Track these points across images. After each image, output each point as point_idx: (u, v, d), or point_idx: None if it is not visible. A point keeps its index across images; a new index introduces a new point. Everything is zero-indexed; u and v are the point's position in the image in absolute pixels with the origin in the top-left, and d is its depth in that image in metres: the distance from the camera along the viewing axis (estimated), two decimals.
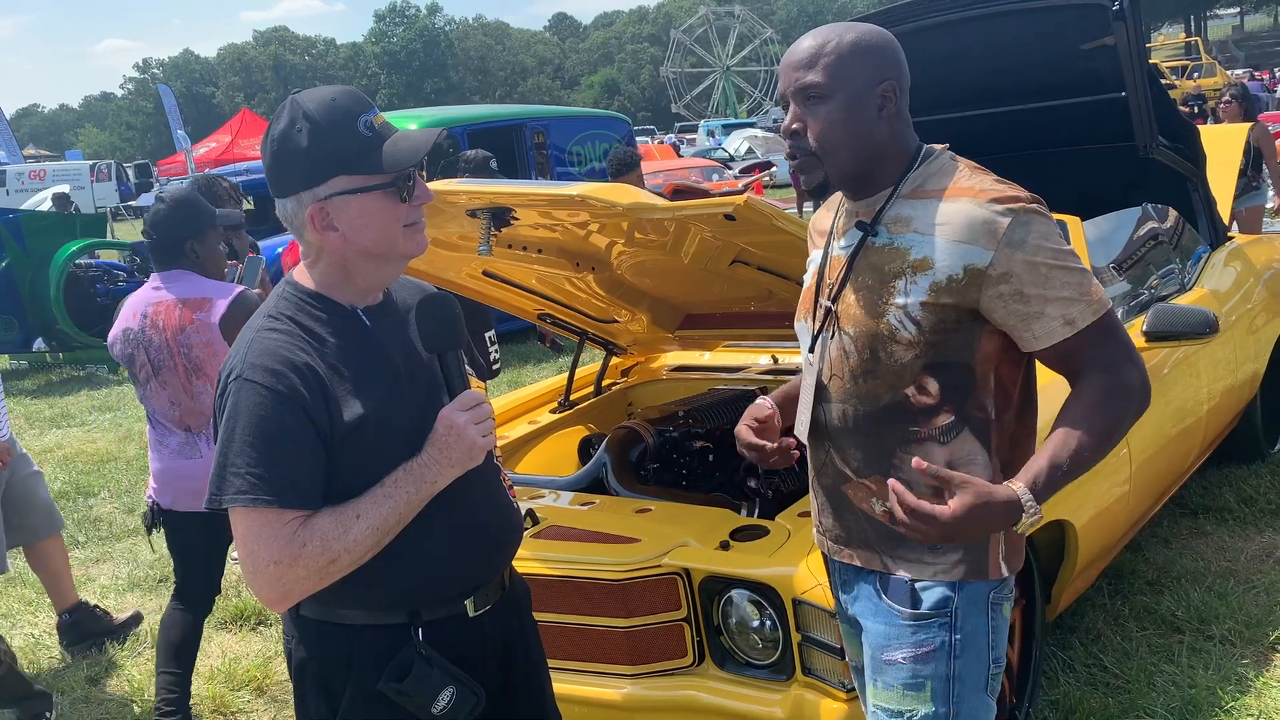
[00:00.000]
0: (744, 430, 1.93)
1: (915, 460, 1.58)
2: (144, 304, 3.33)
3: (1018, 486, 1.60)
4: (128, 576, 4.97)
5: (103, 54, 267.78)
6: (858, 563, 1.86)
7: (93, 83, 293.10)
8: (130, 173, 37.91)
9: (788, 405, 1.98)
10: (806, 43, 1.76)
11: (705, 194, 14.26)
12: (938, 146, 1.82)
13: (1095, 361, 1.69)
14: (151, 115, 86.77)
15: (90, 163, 37.15)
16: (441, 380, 1.76)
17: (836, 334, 1.80)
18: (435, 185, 2.70)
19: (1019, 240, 1.66)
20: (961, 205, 1.70)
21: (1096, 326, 1.68)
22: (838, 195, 1.93)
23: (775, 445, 1.90)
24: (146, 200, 16.50)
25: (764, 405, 1.96)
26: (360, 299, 1.77)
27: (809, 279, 1.93)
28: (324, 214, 1.67)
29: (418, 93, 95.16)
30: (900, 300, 1.71)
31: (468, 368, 1.83)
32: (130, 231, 24.26)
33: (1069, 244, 1.71)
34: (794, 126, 1.76)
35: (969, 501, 1.56)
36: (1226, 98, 8.41)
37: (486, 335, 4.92)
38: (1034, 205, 1.70)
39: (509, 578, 1.93)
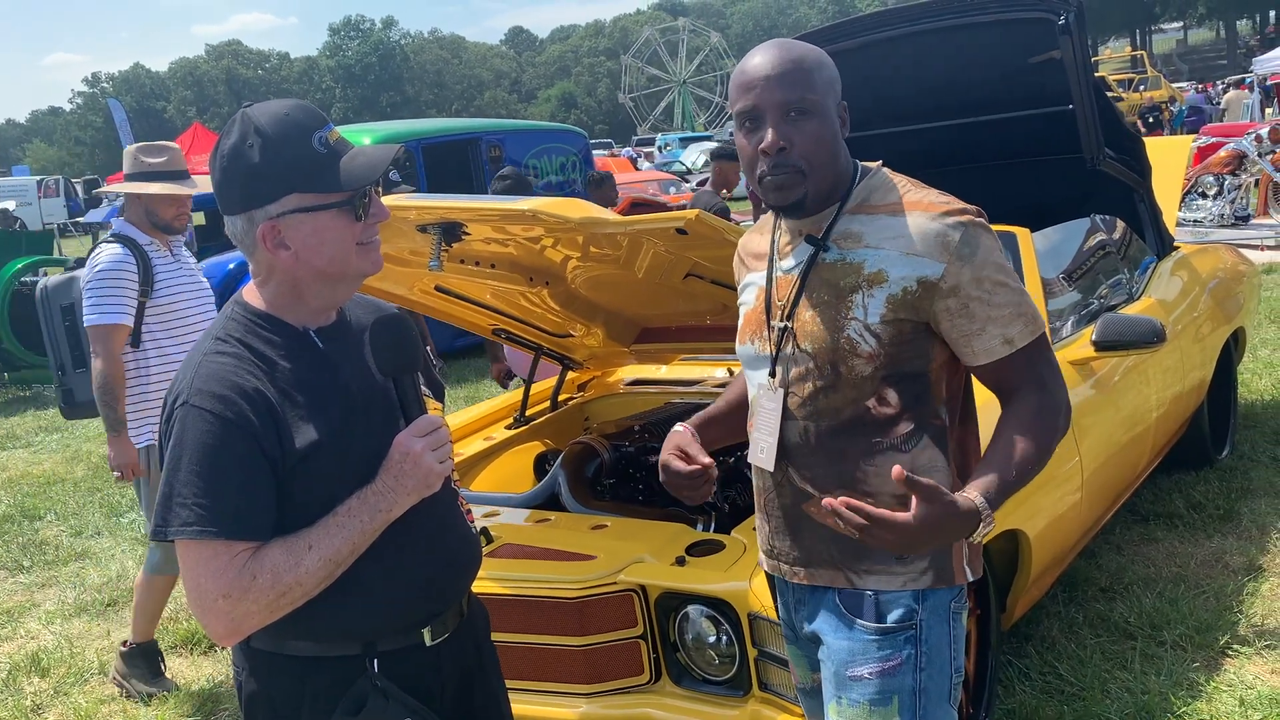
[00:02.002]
0: (674, 462, 1.90)
1: (895, 469, 1.57)
2: None
3: (975, 496, 1.61)
4: (74, 601, 4.86)
5: (50, 68, 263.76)
6: (820, 582, 1.84)
7: (40, 97, 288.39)
8: (79, 188, 37.29)
9: (707, 428, 1.99)
10: (777, 55, 1.71)
11: (663, 207, 14.31)
12: (872, 164, 1.83)
13: (1029, 380, 1.73)
14: (101, 130, 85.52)
15: (38, 178, 36.50)
16: (397, 403, 1.71)
17: (794, 352, 1.79)
18: (385, 200, 2.67)
19: (968, 254, 1.68)
20: (914, 219, 1.71)
21: (1033, 346, 1.73)
22: (767, 217, 1.92)
23: (703, 472, 1.88)
24: (95, 216, 16.19)
25: (685, 433, 1.95)
26: (313, 320, 1.71)
27: (752, 301, 1.91)
28: (276, 232, 1.61)
29: (373, 106, 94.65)
30: (858, 314, 1.72)
31: (424, 389, 1.79)
32: (79, 248, 23.85)
33: (1008, 259, 1.74)
34: (780, 145, 1.70)
35: (935, 509, 1.57)
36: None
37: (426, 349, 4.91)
38: (980, 219, 1.72)
39: (467, 603, 1.87)
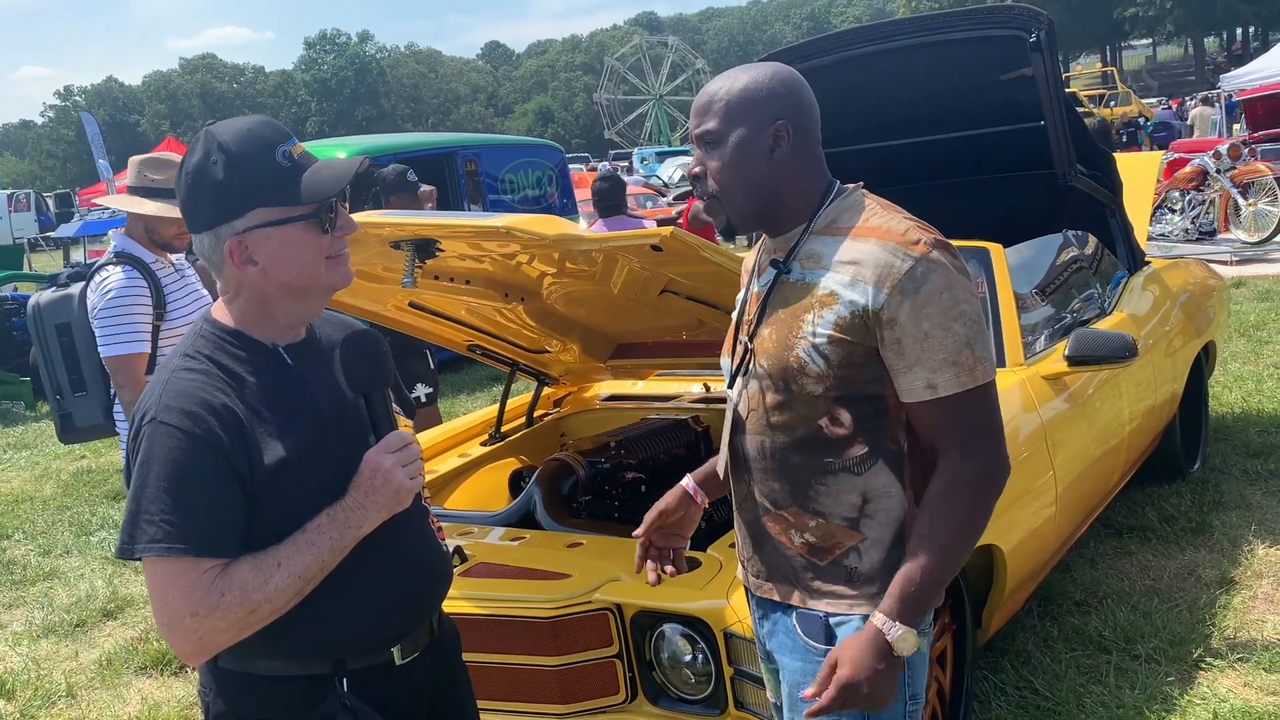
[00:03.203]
0: (649, 531, 2.01)
1: (805, 693, 1.70)
2: None
3: (876, 619, 1.67)
4: (42, 622, 4.79)
5: (21, 81, 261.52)
6: (776, 597, 1.85)
7: (11, 111, 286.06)
8: (50, 202, 36.96)
9: (710, 480, 2.03)
10: (709, 89, 1.80)
11: (639, 222, 14.31)
12: (850, 185, 1.83)
13: (950, 435, 1.68)
14: (74, 144, 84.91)
15: (8, 193, 36.14)
16: (367, 420, 1.70)
17: (753, 368, 1.81)
18: (358, 216, 2.66)
19: (910, 290, 1.65)
20: (867, 245, 1.70)
21: (961, 398, 1.67)
22: (764, 237, 1.94)
23: (659, 547, 2.00)
24: (66, 231, 16.05)
25: (678, 497, 2.02)
26: (282, 336, 1.70)
27: (734, 317, 1.95)
28: (243, 248, 1.61)
29: (349, 120, 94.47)
30: (808, 333, 1.72)
31: (394, 406, 1.78)
32: (50, 263, 23.61)
33: (969, 301, 1.68)
34: (695, 170, 1.80)
35: (846, 667, 1.66)
36: None
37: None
38: (937, 254, 1.68)
39: (437, 622, 1.86)
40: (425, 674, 1.80)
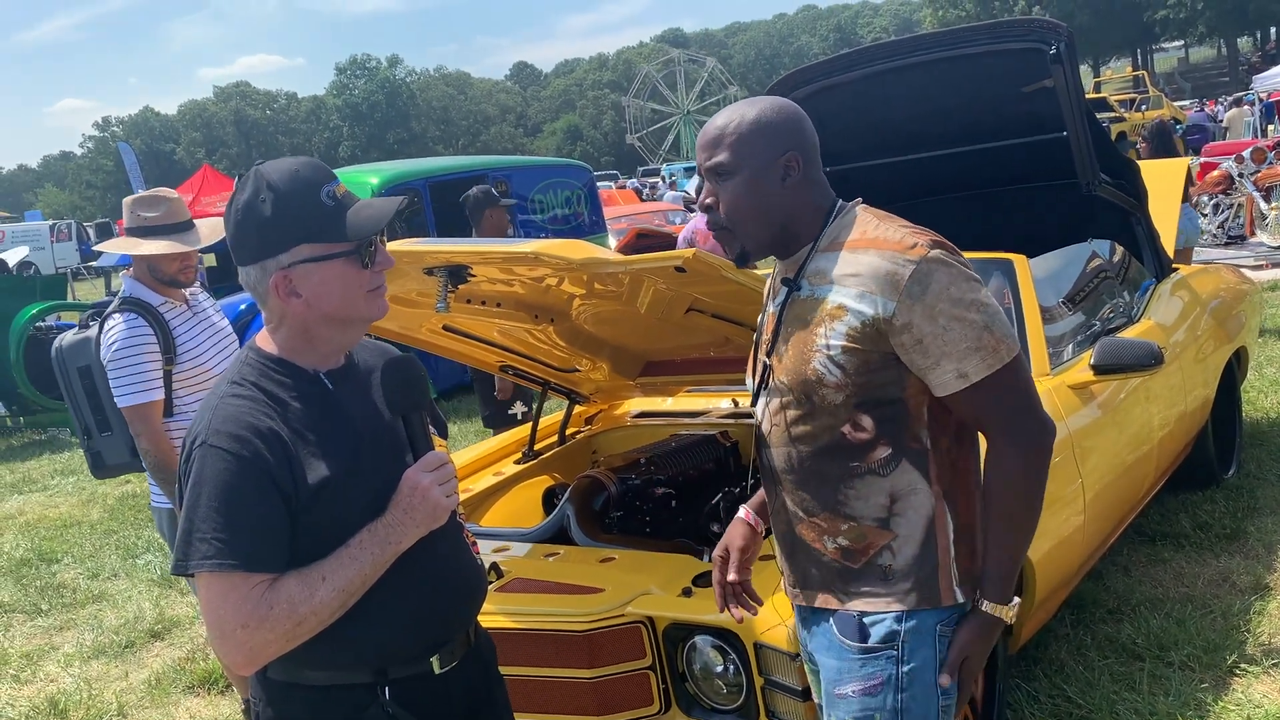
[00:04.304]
0: (718, 567, 2.10)
1: (943, 678, 1.85)
2: None
3: (986, 606, 1.81)
4: (93, 643, 4.91)
5: (60, 114, 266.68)
6: (814, 604, 1.92)
7: (51, 142, 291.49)
8: (91, 232, 37.66)
9: (764, 508, 2.09)
10: (716, 122, 1.87)
11: (668, 237, 14.38)
12: (849, 203, 1.90)
13: (994, 416, 1.78)
14: (112, 173, 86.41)
15: (50, 223, 36.88)
16: (404, 440, 1.79)
17: (773, 384, 1.89)
18: (392, 246, 2.75)
19: (918, 292, 1.73)
20: (868, 256, 1.78)
21: (994, 379, 1.75)
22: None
23: (735, 582, 2.07)
24: (108, 260, 16.36)
25: (740, 532, 2.10)
26: (323, 363, 1.80)
27: (755, 338, 2.03)
28: (288, 281, 1.71)
29: (380, 144, 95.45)
30: (822, 346, 1.80)
31: (430, 426, 1.86)
32: (92, 291, 24.08)
33: (975, 289, 1.76)
34: (708, 202, 1.87)
35: (968, 650, 1.83)
36: (1143, 137, 8.63)
37: None
38: (935, 253, 1.76)
39: (474, 633, 1.95)
40: (463, 683, 1.88)
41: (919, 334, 1.74)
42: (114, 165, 79.40)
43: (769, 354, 1.91)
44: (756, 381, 1.95)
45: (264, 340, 1.80)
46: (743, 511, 2.11)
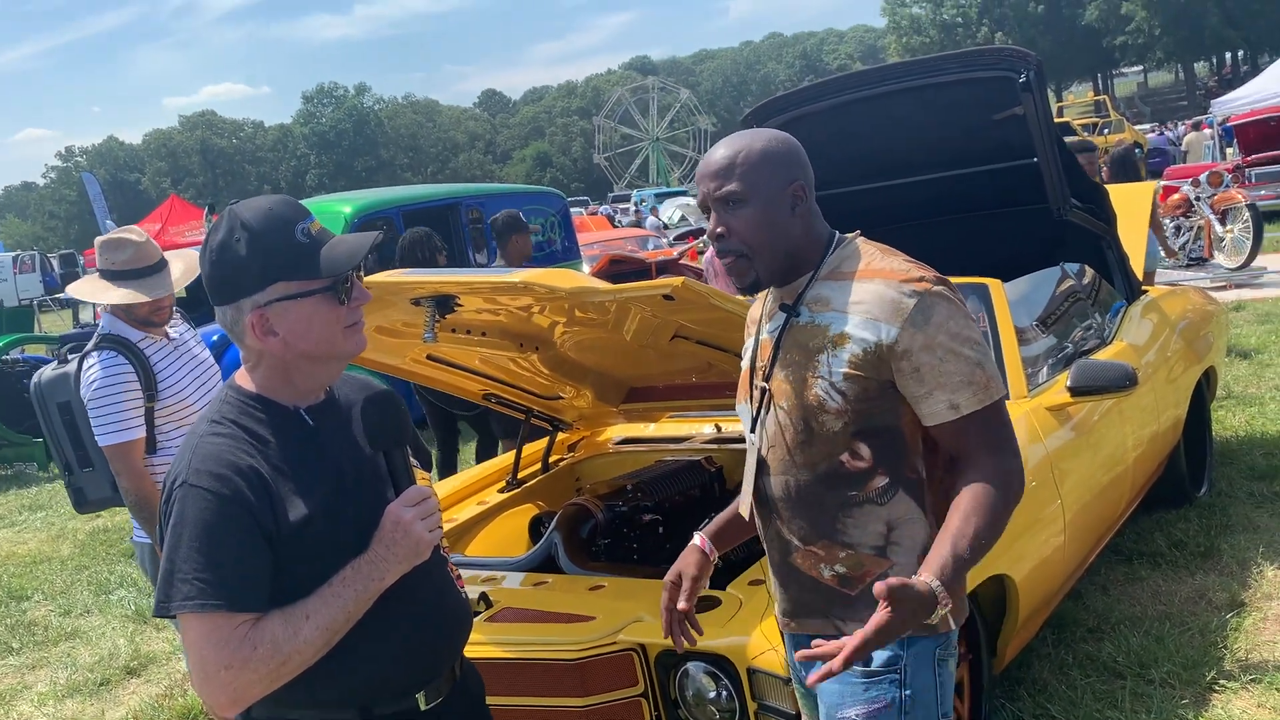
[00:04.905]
0: (668, 592, 2.10)
1: (877, 585, 1.62)
2: None
3: (929, 579, 1.66)
4: (66, 681, 4.83)
5: (22, 143, 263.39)
6: (809, 631, 1.94)
7: (12, 173, 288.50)
8: (55, 263, 37.27)
9: (722, 533, 2.13)
10: (720, 153, 1.89)
11: (641, 263, 14.44)
12: (849, 235, 1.95)
13: (977, 447, 1.80)
14: (75, 203, 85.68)
15: (13, 254, 36.43)
16: (385, 475, 1.78)
17: (772, 410, 1.91)
18: (378, 277, 2.76)
19: (921, 322, 1.78)
20: (875, 286, 1.83)
21: (980, 414, 1.80)
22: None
23: (684, 611, 2.05)
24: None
25: (692, 559, 2.10)
26: (302, 399, 1.79)
27: (745, 364, 2.04)
28: (264, 320, 1.70)
29: (348, 172, 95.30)
30: (824, 372, 1.83)
31: (412, 460, 1.86)
32: (58, 323, 23.79)
33: (971, 327, 1.82)
34: (719, 231, 1.89)
35: (899, 605, 1.60)
36: (1105, 164, 8.79)
37: None
38: (939, 288, 1.82)
39: (460, 668, 1.93)
40: (449, 716, 1.86)
41: (916, 363, 1.78)
42: (77, 195, 78.73)
43: (766, 379, 1.93)
44: (755, 407, 1.96)
45: (243, 378, 1.79)
46: (698, 538, 2.12)
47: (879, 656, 1.85)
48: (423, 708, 1.82)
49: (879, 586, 1.63)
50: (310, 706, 1.74)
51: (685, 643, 2.09)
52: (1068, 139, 5.77)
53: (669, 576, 2.10)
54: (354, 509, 1.73)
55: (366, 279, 2.72)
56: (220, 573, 1.61)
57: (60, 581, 6.45)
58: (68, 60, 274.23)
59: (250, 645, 1.61)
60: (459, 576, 1.96)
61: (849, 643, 1.62)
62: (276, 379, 1.76)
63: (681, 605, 2.06)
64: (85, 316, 16.83)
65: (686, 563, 2.10)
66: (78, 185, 71.80)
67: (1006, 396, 1.84)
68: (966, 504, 1.76)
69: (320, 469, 1.73)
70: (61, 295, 23.75)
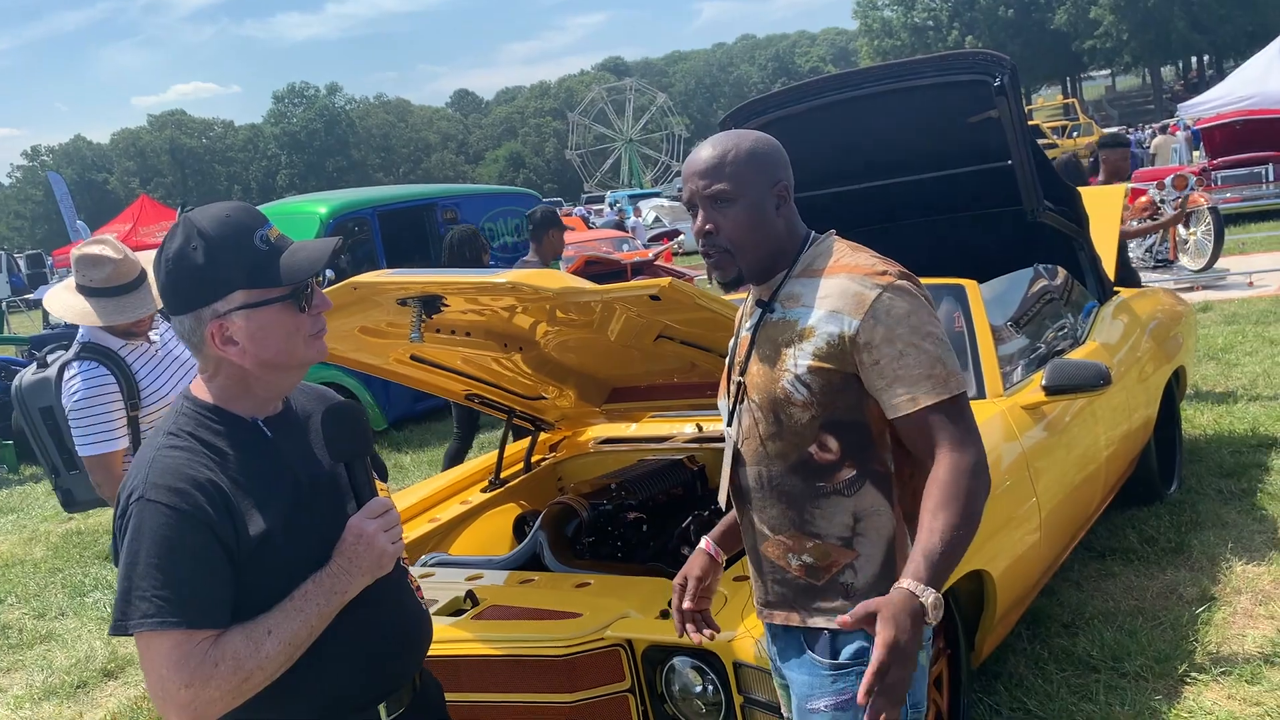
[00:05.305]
0: (677, 594, 2.13)
1: (840, 618, 1.70)
2: None
3: (904, 583, 1.69)
4: (43, 684, 4.80)
5: None
6: (777, 621, 1.99)
7: None
8: (22, 263, 36.81)
9: (727, 536, 2.16)
10: (708, 151, 1.94)
11: (617, 264, 14.46)
12: (823, 234, 2.00)
13: (939, 441, 1.82)
14: (42, 203, 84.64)
15: None
16: (344, 487, 1.77)
17: (746, 403, 1.97)
18: (365, 277, 2.77)
19: (882, 315, 1.83)
20: (840, 280, 1.89)
21: (939, 407, 1.82)
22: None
23: (692, 610, 2.10)
24: (45, 293, 15.93)
25: (702, 561, 2.14)
26: (260, 410, 1.76)
27: (728, 360, 2.10)
28: (224, 329, 1.68)
29: (319, 172, 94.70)
30: (791, 366, 1.89)
31: (371, 471, 1.83)
32: (26, 324, 23.50)
33: (933, 323, 1.85)
34: (706, 228, 1.94)
35: (887, 624, 1.64)
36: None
37: None
38: (902, 282, 1.86)
39: (420, 677, 1.92)
40: None
41: (877, 355, 1.83)
42: (44, 195, 77.78)
43: (742, 373, 1.99)
44: (731, 401, 2.02)
45: (199, 389, 1.76)
46: (704, 542, 2.17)
47: (847, 649, 1.89)
48: (384, 719, 1.81)
49: (840, 620, 1.70)
50: None
51: (703, 639, 2.11)
52: (1108, 130, 5.80)
53: (676, 579, 2.14)
54: (314, 521, 1.72)
55: (355, 279, 2.74)
56: (180, 590, 1.58)
57: (34, 584, 6.40)
58: (33, 57, 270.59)
59: (211, 663, 1.58)
60: (418, 587, 1.96)
61: (866, 673, 1.64)
62: (235, 388, 1.73)
63: (686, 605, 2.11)
64: (54, 318, 16.63)
65: (692, 565, 2.14)
66: (44, 185, 70.92)
67: (967, 392, 1.86)
68: (934, 501, 1.78)
69: (279, 482, 1.72)
70: (30, 296, 23.45)
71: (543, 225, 6.15)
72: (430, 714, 1.94)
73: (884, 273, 1.86)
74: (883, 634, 1.65)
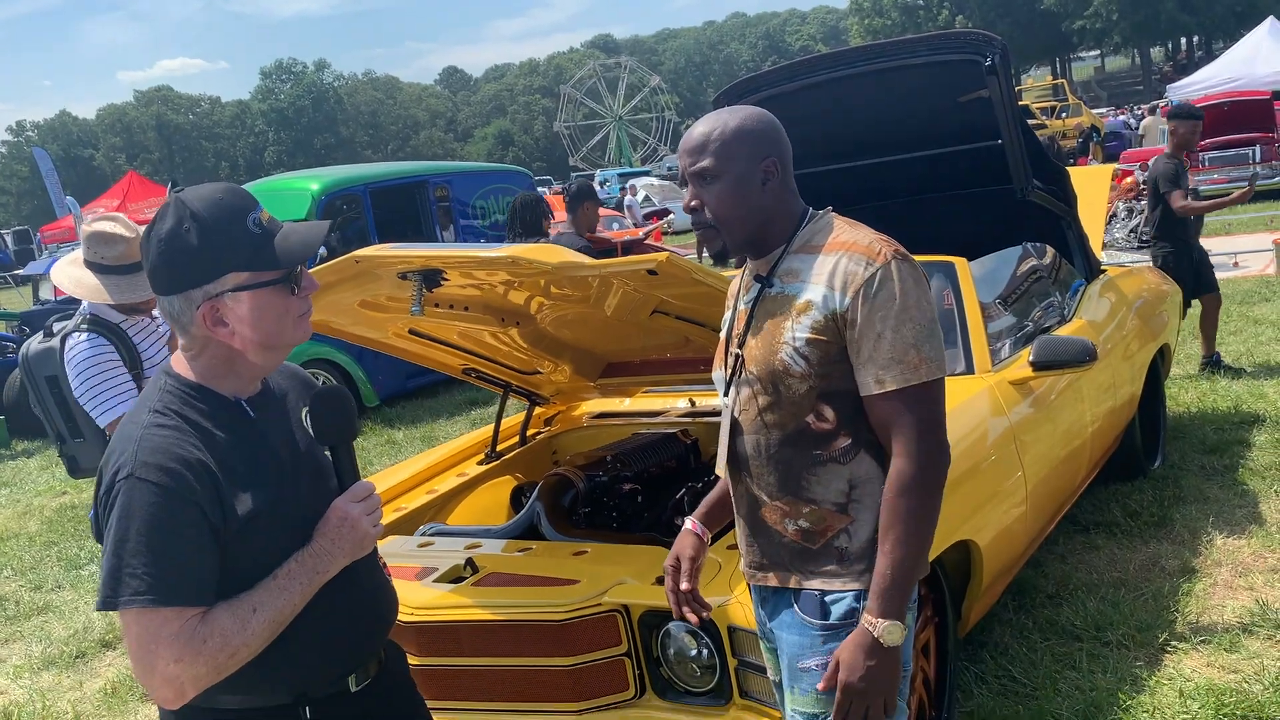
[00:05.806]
0: (670, 575, 2.19)
1: (819, 684, 1.91)
2: None
3: (864, 620, 1.87)
4: (42, 655, 4.86)
5: None
6: (774, 583, 2.05)
7: None
8: (9, 239, 36.59)
9: (712, 514, 2.24)
10: (698, 130, 1.99)
11: (608, 243, 14.45)
12: (821, 211, 2.05)
13: (898, 426, 1.88)
14: (27, 179, 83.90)
15: None
16: (324, 466, 1.81)
17: (744, 374, 2.03)
18: (366, 251, 2.82)
19: (870, 293, 1.89)
20: (836, 257, 1.94)
21: (904, 393, 1.87)
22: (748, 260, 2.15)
23: (689, 590, 2.17)
24: (35, 269, 15.88)
25: (689, 542, 2.20)
26: (243, 389, 1.79)
27: (723, 333, 2.16)
28: (215, 311, 1.70)
29: (307, 149, 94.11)
30: (789, 338, 1.94)
31: (354, 455, 1.87)
32: (15, 300, 23.40)
33: (923, 307, 1.88)
34: (693, 204, 2.00)
35: (848, 670, 1.87)
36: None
37: None
38: (896, 262, 1.90)
39: (385, 648, 1.98)
40: (377, 695, 1.93)
41: (859, 333, 1.89)
42: (29, 171, 77.09)
43: (740, 346, 2.05)
44: (729, 372, 2.07)
45: (180, 365, 1.77)
46: (689, 523, 2.22)
47: (837, 610, 1.96)
48: (353, 689, 1.86)
49: (821, 685, 1.90)
50: (244, 692, 1.75)
51: (698, 617, 2.18)
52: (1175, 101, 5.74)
53: (668, 561, 2.20)
54: (296, 501, 1.75)
55: (358, 253, 2.78)
56: (169, 567, 1.61)
57: (29, 558, 6.44)
58: (17, 32, 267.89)
59: (200, 639, 1.61)
60: (385, 564, 2.01)
61: (832, 715, 1.89)
62: (220, 368, 1.75)
63: (684, 585, 2.16)
64: (45, 294, 16.59)
65: (682, 546, 2.20)
66: (29, 161, 70.32)
67: (943, 379, 1.90)
68: (884, 521, 1.88)
69: (263, 461, 1.75)
70: (20, 272, 23.32)
71: (578, 197, 6.23)
72: (393, 680, 1.99)
73: (880, 252, 1.91)
74: (839, 678, 1.87)
